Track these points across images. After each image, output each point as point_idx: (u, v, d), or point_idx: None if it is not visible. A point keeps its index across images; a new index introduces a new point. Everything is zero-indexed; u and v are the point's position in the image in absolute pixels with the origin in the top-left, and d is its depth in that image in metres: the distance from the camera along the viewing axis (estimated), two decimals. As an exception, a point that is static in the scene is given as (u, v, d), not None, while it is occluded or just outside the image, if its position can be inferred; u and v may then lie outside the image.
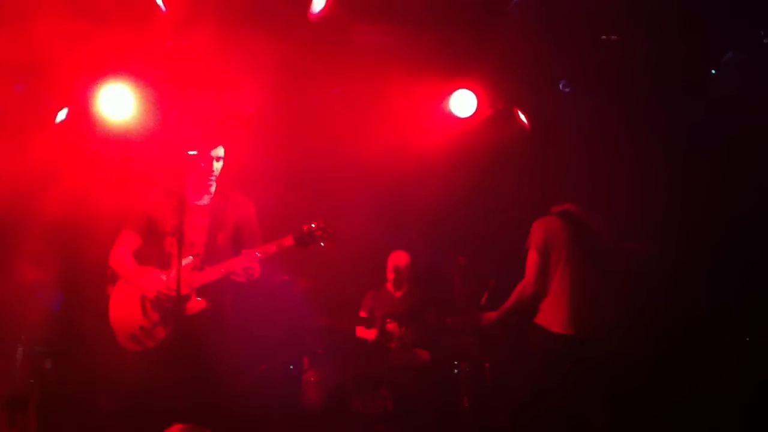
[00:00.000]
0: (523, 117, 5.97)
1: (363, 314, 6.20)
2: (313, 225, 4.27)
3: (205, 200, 4.40)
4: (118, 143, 5.49)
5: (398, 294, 6.24)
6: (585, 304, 4.99)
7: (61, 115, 5.38)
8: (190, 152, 4.25)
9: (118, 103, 5.34)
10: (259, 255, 4.26)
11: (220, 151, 4.39)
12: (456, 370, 5.73)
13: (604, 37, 5.49)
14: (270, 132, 5.67)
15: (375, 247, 6.32)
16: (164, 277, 4.20)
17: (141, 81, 5.30)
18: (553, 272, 5.05)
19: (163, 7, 4.86)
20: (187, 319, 4.22)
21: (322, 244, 4.28)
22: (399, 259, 6.23)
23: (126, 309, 4.30)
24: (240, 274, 4.26)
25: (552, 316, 5.02)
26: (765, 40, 5.28)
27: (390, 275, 6.25)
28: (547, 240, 5.07)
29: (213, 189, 4.43)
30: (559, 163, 5.57)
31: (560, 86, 5.87)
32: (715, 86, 5.56)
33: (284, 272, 5.74)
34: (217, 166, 4.39)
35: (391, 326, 5.96)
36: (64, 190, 5.33)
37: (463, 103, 5.90)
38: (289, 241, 4.27)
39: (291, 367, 5.87)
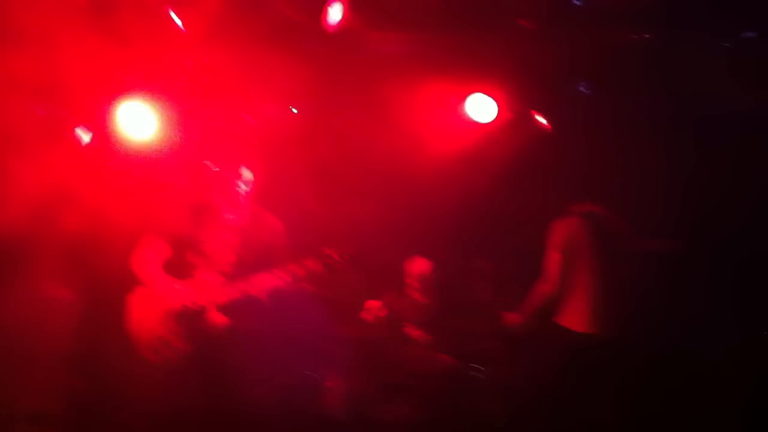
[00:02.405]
0: (542, 120, 5.95)
1: (383, 322, 6.19)
2: (337, 251, 4.29)
3: (237, 219, 4.43)
4: (139, 161, 5.51)
5: (422, 301, 6.24)
6: (606, 304, 5.01)
7: (86, 136, 5.40)
8: (213, 168, 4.28)
9: (139, 122, 5.36)
10: (284, 277, 4.28)
11: (245, 172, 4.41)
12: (481, 375, 5.75)
13: (629, 37, 5.46)
14: (292, 148, 5.68)
15: (395, 254, 6.31)
16: (191, 290, 4.23)
17: (162, 99, 5.32)
18: (574, 273, 5.07)
19: (181, 26, 4.87)
20: (210, 335, 4.24)
21: (348, 271, 4.30)
22: (420, 266, 6.23)
23: (147, 320, 4.33)
24: (265, 294, 4.28)
25: (573, 317, 5.05)
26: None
27: (412, 282, 6.25)
28: (568, 240, 5.11)
29: (245, 208, 4.45)
30: (578, 165, 5.58)
31: (579, 88, 5.84)
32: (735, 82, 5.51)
33: (307, 283, 5.74)
34: (244, 185, 4.41)
35: (415, 332, 5.98)
36: (86, 209, 5.36)
37: (481, 107, 5.88)
38: (316, 265, 4.29)
39: (313, 375, 5.89)
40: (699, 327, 5.65)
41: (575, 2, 5.23)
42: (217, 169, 4.30)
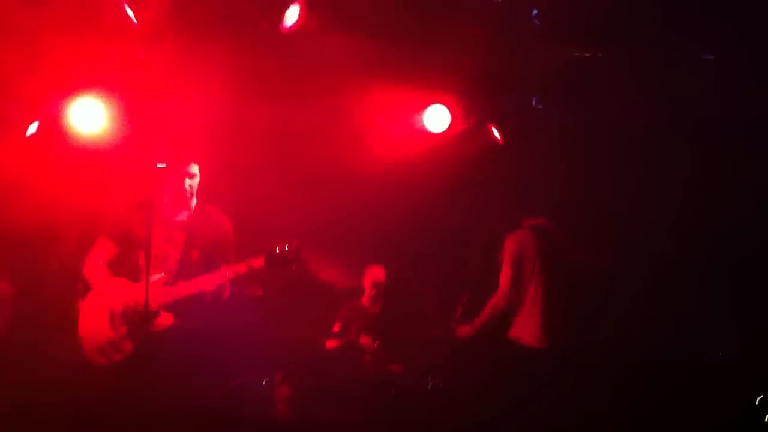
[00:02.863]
0: (495, 132, 6.01)
1: (336, 328, 6.18)
2: (286, 247, 4.24)
3: (183, 216, 4.38)
4: (89, 155, 5.44)
5: (374, 308, 6.23)
6: (558, 317, 5.04)
7: (32, 128, 5.33)
8: (159, 165, 4.22)
9: (89, 116, 5.30)
10: (228, 275, 4.24)
11: (193, 168, 4.36)
12: (429, 385, 5.74)
13: (577, 54, 5.54)
14: (242, 146, 5.66)
15: (349, 261, 6.31)
16: (136, 291, 4.17)
17: (112, 93, 5.27)
18: (526, 285, 5.12)
19: (134, 20, 4.84)
20: (155, 335, 4.19)
21: (293, 267, 4.25)
22: (377, 273, 6.22)
23: (95, 321, 4.26)
24: (209, 292, 4.24)
25: (525, 329, 5.08)
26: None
27: (367, 290, 6.23)
28: (520, 253, 5.14)
29: (192, 205, 4.40)
30: (531, 178, 5.63)
31: (533, 102, 5.91)
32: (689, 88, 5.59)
33: (257, 286, 5.71)
34: (191, 182, 4.36)
35: (365, 339, 5.96)
36: (33, 202, 5.28)
37: (436, 117, 5.92)
38: (259, 262, 4.24)
39: (264, 381, 5.83)
40: (659, 337, 5.71)
41: (534, 20, 5.28)
42: (164, 165, 4.22)
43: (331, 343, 6.11)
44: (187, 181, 4.33)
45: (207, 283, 4.21)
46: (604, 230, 5.66)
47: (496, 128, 5.99)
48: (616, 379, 5.43)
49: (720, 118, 5.46)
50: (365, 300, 6.23)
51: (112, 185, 5.25)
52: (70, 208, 5.25)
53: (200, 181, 4.40)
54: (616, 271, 5.61)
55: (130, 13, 4.80)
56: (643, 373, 5.58)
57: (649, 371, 5.60)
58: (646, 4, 4.96)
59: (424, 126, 5.93)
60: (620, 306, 5.65)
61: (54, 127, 5.34)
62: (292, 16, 5.01)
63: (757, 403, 5.27)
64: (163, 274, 4.24)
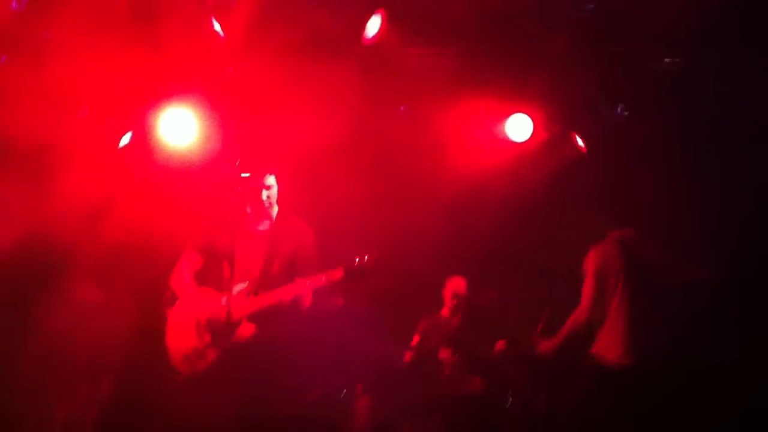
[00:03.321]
0: (580, 141, 5.89)
1: (415, 341, 6.15)
2: (366, 258, 4.26)
3: (265, 226, 4.44)
4: (179, 168, 5.57)
5: (454, 321, 6.18)
6: (642, 333, 4.89)
7: (125, 139, 5.50)
8: (243, 174, 4.30)
9: (179, 128, 5.42)
10: (308, 286, 4.27)
11: (269, 180, 4.42)
12: (510, 399, 5.65)
13: (667, 60, 5.39)
14: (325, 157, 5.70)
15: (431, 273, 6.28)
16: (222, 301, 4.25)
17: (202, 106, 5.38)
18: (609, 300, 4.98)
19: (221, 33, 4.94)
20: (237, 344, 4.26)
21: (372, 279, 4.27)
22: (458, 285, 6.18)
23: (181, 330, 4.37)
24: (291, 303, 4.27)
25: (609, 346, 4.93)
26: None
27: (448, 301, 6.20)
28: (604, 266, 5.00)
29: (273, 214, 4.46)
30: (617, 189, 5.49)
31: (618, 110, 5.78)
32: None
33: (339, 296, 5.74)
34: (268, 193, 4.42)
35: (444, 353, 5.91)
36: (126, 214, 5.44)
37: (519, 126, 5.84)
38: (339, 273, 4.27)
39: (343, 392, 5.84)
40: (736, 358, 5.47)
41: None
42: (248, 174, 4.30)
43: (410, 356, 6.10)
44: (264, 192, 4.39)
45: (287, 293, 4.26)
46: (695, 243, 5.47)
47: (580, 137, 5.88)
48: (702, 400, 5.24)
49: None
50: (445, 312, 6.19)
51: (199, 196, 5.36)
52: (161, 220, 5.37)
53: (283, 191, 4.46)
54: (706, 284, 5.42)
55: (216, 26, 4.91)
56: (733, 394, 5.37)
57: (740, 392, 5.39)
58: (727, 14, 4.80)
59: (506, 135, 5.86)
60: (711, 324, 5.46)
61: (145, 139, 5.48)
62: (373, 27, 5.03)
63: None
64: (246, 284, 4.30)
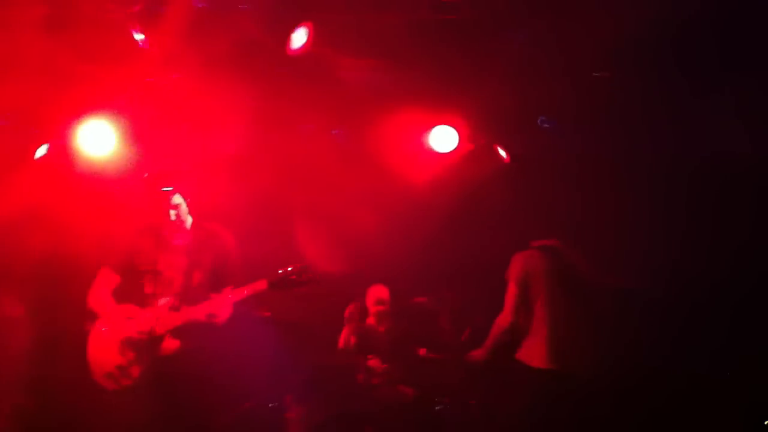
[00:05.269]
0: (502, 152, 5.99)
1: (340, 346, 6.13)
2: (289, 269, 4.24)
3: (181, 238, 4.38)
4: (98, 179, 5.48)
5: (380, 328, 6.20)
6: (565, 339, 4.98)
7: (41, 151, 5.38)
8: (165, 189, 4.25)
9: (98, 139, 5.33)
10: (232, 298, 4.24)
11: (175, 198, 4.33)
12: (440, 407, 5.69)
13: (596, 74, 5.51)
14: (251, 169, 5.68)
15: (358, 282, 6.29)
16: (144, 316, 4.19)
17: (121, 117, 5.31)
18: (532, 307, 5.05)
19: (142, 44, 4.88)
20: (162, 359, 4.20)
21: (298, 289, 4.26)
22: (380, 293, 6.20)
23: (104, 347, 4.28)
24: (214, 316, 4.24)
25: (532, 351, 5.02)
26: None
27: (371, 309, 6.21)
28: (526, 273, 5.08)
29: (188, 226, 4.39)
30: (540, 198, 5.59)
31: (539, 122, 5.89)
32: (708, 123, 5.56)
33: (264, 308, 5.71)
34: (176, 212, 4.31)
35: (374, 362, 5.92)
36: (45, 226, 5.33)
37: (443, 138, 5.91)
38: (262, 285, 4.24)
39: (272, 404, 5.81)
40: (667, 363, 5.64)
41: None
42: (167, 188, 4.25)
43: (337, 363, 6.09)
44: (172, 212, 4.30)
45: (210, 307, 4.22)
46: (615, 251, 5.60)
47: (503, 148, 5.98)
48: (625, 402, 5.37)
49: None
50: (371, 320, 6.21)
51: (121, 209, 5.27)
52: (82, 232, 5.27)
53: (206, 199, 4.41)
54: (629, 292, 5.56)
55: (137, 37, 4.84)
56: (655, 395, 5.51)
57: (662, 393, 5.54)
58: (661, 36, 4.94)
59: (431, 147, 5.92)
60: (633, 327, 5.60)
61: (64, 150, 5.37)
62: (299, 38, 5.03)
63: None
64: (168, 298, 4.26)
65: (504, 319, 5.07)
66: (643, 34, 4.78)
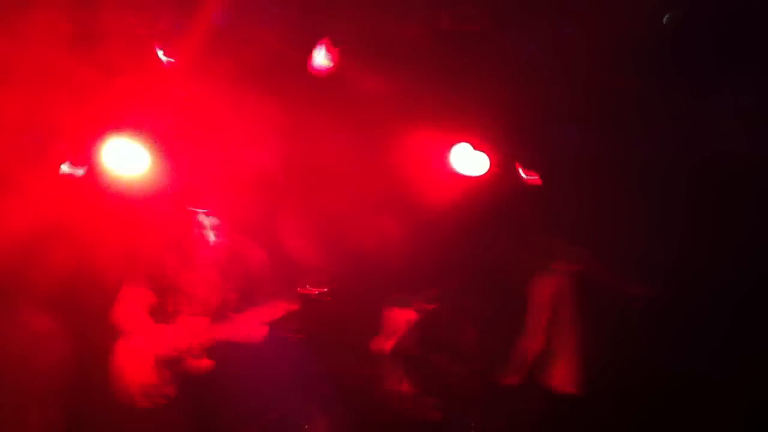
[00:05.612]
0: (523, 173, 5.96)
1: (369, 361, 6.13)
2: (318, 282, 4.26)
3: (213, 256, 4.41)
4: (124, 195, 5.51)
5: (407, 343, 6.18)
6: (588, 361, 4.96)
7: (66, 167, 5.42)
8: (192, 206, 4.28)
9: (124, 155, 5.36)
10: (265, 318, 4.26)
11: (206, 220, 4.39)
12: (464, 420, 5.67)
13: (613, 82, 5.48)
14: (275, 184, 5.69)
15: (384, 296, 6.28)
16: (176, 335, 4.21)
17: (146, 133, 5.33)
18: (555, 329, 5.04)
19: (168, 60, 4.91)
20: (197, 378, 4.22)
21: (327, 304, 4.28)
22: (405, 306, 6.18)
23: (137, 365, 4.31)
24: (247, 334, 4.26)
25: (555, 373, 5.00)
26: None
27: (397, 325, 6.19)
28: (551, 295, 5.07)
29: (218, 244, 4.42)
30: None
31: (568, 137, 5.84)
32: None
33: (294, 321, 5.72)
34: (207, 232, 4.38)
35: (400, 372, 5.91)
36: (71, 242, 5.35)
37: (469, 159, 5.86)
38: (294, 304, 4.29)
39: (296, 416, 5.81)
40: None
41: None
42: (197, 207, 4.29)
43: (363, 375, 6.09)
44: (214, 221, 4.36)
45: (244, 326, 4.24)
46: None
47: (529, 168, 5.94)
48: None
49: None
50: (396, 335, 6.18)
51: (145, 226, 5.30)
52: (106, 250, 5.29)
53: (236, 214, 4.43)
54: (661, 304, 5.51)
55: (161, 54, 4.87)
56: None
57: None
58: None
59: (453, 166, 5.89)
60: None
61: (89, 165, 5.41)
62: (320, 56, 5.03)
63: None
64: (201, 315, 4.28)
65: (531, 344, 5.06)
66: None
